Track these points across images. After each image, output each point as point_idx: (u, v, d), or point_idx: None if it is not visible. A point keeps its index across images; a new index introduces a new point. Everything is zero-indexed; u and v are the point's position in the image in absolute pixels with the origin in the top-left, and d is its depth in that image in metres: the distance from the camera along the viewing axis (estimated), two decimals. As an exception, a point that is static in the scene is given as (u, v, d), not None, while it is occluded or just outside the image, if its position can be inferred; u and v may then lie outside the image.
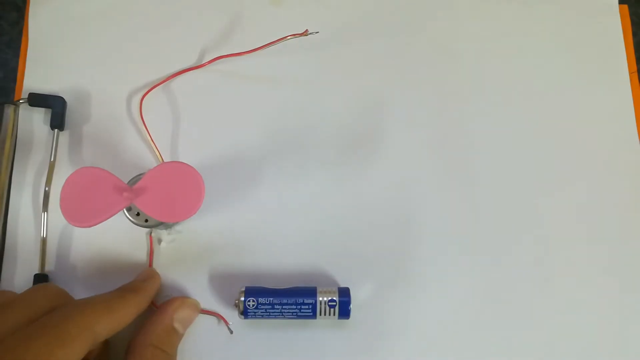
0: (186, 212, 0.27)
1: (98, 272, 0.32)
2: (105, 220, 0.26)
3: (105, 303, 0.25)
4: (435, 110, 0.35)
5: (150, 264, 0.31)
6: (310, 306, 0.29)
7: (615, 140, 0.35)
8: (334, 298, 0.29)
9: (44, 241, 0.31)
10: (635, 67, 0.36)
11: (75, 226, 0.27)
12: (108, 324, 0.24)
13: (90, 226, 0.26)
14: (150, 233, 0.32)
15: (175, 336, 0.29)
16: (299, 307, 0.29)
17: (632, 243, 0.33)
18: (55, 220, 0.32)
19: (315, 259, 0.32)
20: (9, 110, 0.33)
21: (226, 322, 0.31)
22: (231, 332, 0.31)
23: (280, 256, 0.32)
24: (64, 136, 0.33)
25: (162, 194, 0.27)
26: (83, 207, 0.26)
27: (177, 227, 0.32)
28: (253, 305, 0.29)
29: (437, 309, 0.32)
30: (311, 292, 0.30)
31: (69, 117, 0.34)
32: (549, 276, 0.32)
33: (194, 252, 0.32)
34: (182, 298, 0.31)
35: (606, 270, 0.33)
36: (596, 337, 0.32)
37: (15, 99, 0.34)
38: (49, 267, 0.31)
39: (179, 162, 0.28)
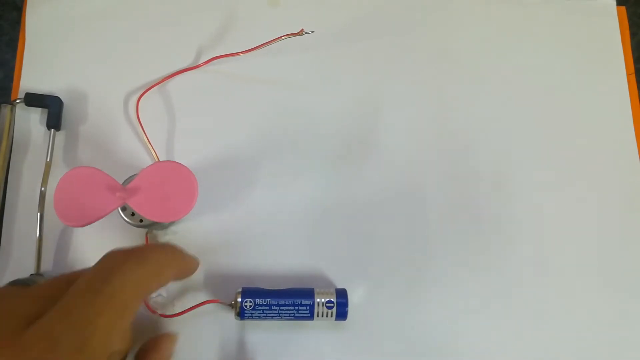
0: (179, 212, 0.27)
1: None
2: (98, 220, 0.26)
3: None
4: (433, 111, 0.35)
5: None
6: (308, 307, 0.29)
7: (613, 141, 0.35)
8: (332, 299, 0.29)
9: (39, 241, 0.31)
10: (633, 69, 0.36)
11: (68, 225, 0.27)
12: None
13: (82, 226, 0.26)
14: (147, 233, 0.31)
15: None
16: (296, 308, 0.29)
17: (633, 242, 0.33)
18: (52, 220, 0.31)
19: (312, 260, 0.32)
20: (5, 110, 0.33)
21: (216, 301, 0.29)
22: (235, 311, 0.29)
23: (277, 257, 0.32)
24: (60, 136, 0.33)
25: (155, 194, 0.27)
26: (76, 206, 0.26)
27: (173, 228, 0.32)
28: (250, 306, 0.29)
29: (434, 310, 0.32)
30: (309, 293, 0.29)
31: (66, 117, 0.33)
32: (548, 278, 0.32)
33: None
34: (172, 338, 0.26)
35: (606, 271, 0.33)
36: (596, 338, 0.31)
37: (12, 98, 0.34)
38: (46, 267, 0.31)
39: (172, 161, 0.27)
